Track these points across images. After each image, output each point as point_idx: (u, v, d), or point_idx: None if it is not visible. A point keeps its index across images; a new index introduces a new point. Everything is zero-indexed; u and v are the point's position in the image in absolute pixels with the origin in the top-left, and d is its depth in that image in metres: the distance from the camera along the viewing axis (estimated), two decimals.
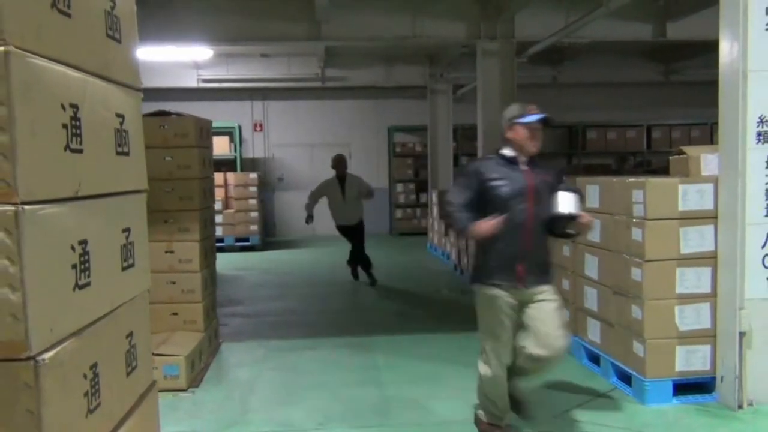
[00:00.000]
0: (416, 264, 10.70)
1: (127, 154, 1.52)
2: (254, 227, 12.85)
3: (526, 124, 3.60)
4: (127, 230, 1.51)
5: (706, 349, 4.27)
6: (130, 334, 1.52)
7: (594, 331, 4.98)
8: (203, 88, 13.15)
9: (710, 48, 11.38)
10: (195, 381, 4.87)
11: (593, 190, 4.96)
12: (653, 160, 13.27)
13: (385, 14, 9.07)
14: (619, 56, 12.90)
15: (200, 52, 10.99)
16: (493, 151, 3.82)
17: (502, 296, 3.56)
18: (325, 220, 14.64)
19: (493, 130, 9.39)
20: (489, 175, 3.59)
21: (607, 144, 14.15)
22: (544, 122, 3.64)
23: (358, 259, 8.95)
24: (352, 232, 8.84)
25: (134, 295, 1.56)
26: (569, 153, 14.54)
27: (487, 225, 3.43)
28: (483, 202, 3.57)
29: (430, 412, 4.31)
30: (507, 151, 3.68)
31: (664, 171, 7.51)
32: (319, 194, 8.91)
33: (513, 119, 3.64)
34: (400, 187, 14.87)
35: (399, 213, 14.85)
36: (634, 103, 14.32)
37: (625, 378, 4.54)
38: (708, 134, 13.44)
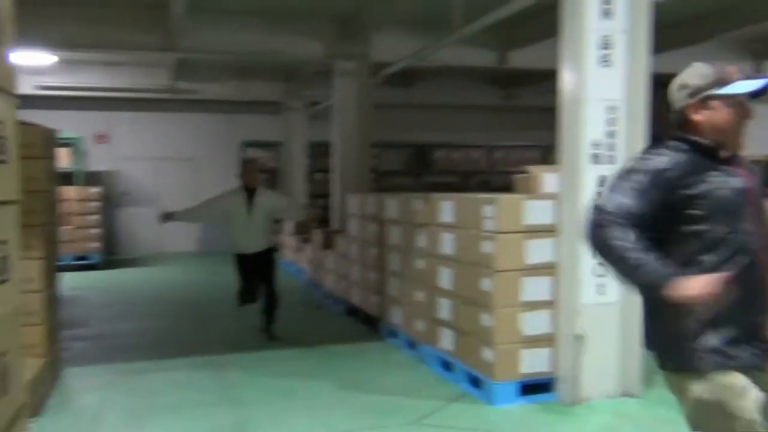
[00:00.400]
0: None
1: (4, 162, 1.44)
2: (95, 244, 12.14)
3: (732, 99, 2.22)
4: (3, 243, 1.43)
5: (547, 352, 4.66)
6: (3, 353, 1.44)
7: (447, 340, 5.24)
8: (40, 96, 12.25)
9: (545, 76, 12.39)
10: (37, 409, 4.52)
11: (447, 206, 5.24)
12: (494, 179, 14.13)
13: (243, 29, 9.02)
14: (464, 80, 13.68)
15: (42, 57, 10.25)
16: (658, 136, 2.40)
17: (748, 383, 2.15)
18: (173, 236, 14.23)
19: (349, 148, 9.65)
20: (684, 178, 2.18)
21: (453, 163, 14.88)
22: (761, 93, 2.22)
23: (267, 302, 6.74)
24: (258, 265, 6.63)
25: (7, 312, 1.47)
26: (417, 171, 15.11)
27: (709, 282, 2.02)
28: (670, 220, 2.21)
29: (290, 428, 4.31)
30: (702, 139, 2.24)
31: (505, 189, 8.08)
32: (211, 207, 6.77)
33: (704, 90, 2.23)
34: None
35: None
36: (477, 125, 15.20)
37: (475, 382, 4.81)
38: (542, 155, 14.52)
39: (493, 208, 4.60)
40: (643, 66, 4.64)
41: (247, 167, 6.76)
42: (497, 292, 4.56)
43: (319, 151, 13.96)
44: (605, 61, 4.53)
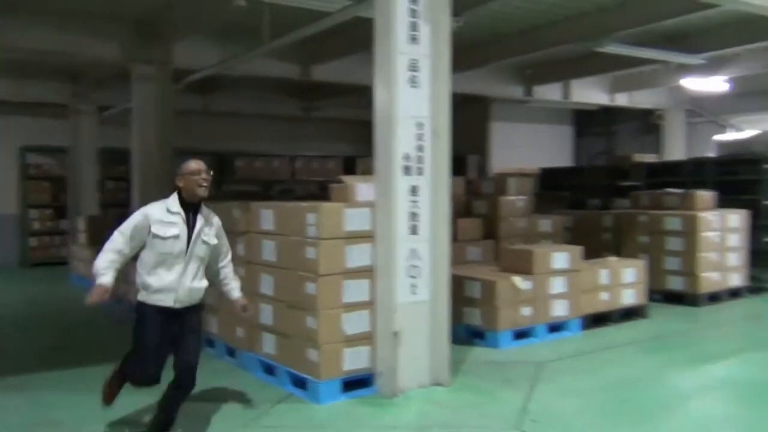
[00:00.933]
0: (61, 296, 9.90)
1: None
2: None
3: None
4: None
5: (367, 349, 5.00)
6: None
7: (269, 345, 5.38)
8: None
9: (344, 90, 12.93)
10: None
11: (267, 214, 5.40)
12: (297, 188, 14.42)
13: (28, 24, 8.40)
14: (266, 90, 13.82)
15: None
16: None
17: None
18: None
19: (150, 156, 9.33)
20: None
21: (254, 172, 14.90)
22: None
23: (178, 382, 4.05)
24: (181, 326, 4.09)
25: None
26: (219, 180, 14.91)
27: None
28: None
29: None
30: None
31: (310, 197, 8.39)
32: (134, 239, 4.03)
33: None
34: (34, 213, 13.51)
35: (34, 241, 13.46)
36: (278, 135, 15.41)
37: (300, 383, 5.02)
38: (341, 165, 15.10)
39: (315, 216, 4.85)
40: (446, 87, 5.19)
41: (194, 170, 4.07)
42: (321, 295, 4.81)
43: (112, 158, 13.29)
44: (414, 83, 5.00)
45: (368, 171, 5.42)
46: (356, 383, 4.96)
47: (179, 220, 4.04)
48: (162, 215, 4.04)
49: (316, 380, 4.82)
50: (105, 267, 3.93)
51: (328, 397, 4.81)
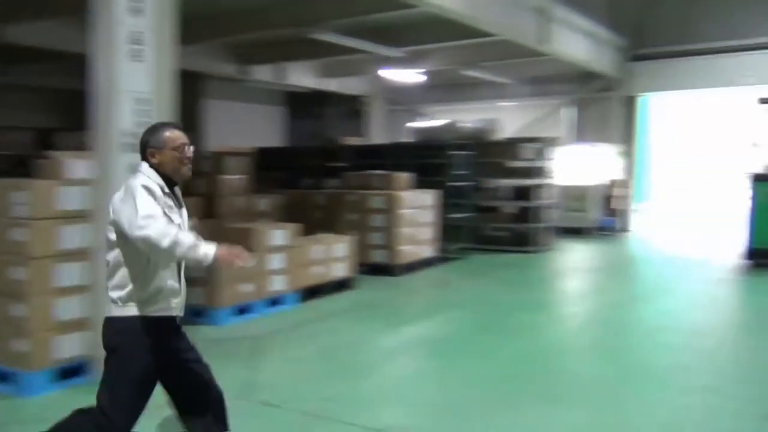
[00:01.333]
0: None
1: None
2: None
3: None
4: None
5: (84, 335, 4.74)
6: None
7: None
8: None
9: (40, 55, 11.68)
10: None
11: None
12: None
13: None
14: None
15: None
16: None
17: None
18: None
19: None
20: None
21: None
22: None
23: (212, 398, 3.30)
24: (178, 342, 3.18)
25: None
26: None
27: None
28: None
29: None
30: None
31: (4, 174, 7.53)
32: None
33: None
34: None
35: None
36: None
37: (3, 377, 4.57)
38: (37, 138, 13.62)
39: (25, 194, 4.45)
40: (169, 62, 5.09)
41: (178, 144, 3.06)
42: (31, 280, 4.44)
43: None
44: (136, 56, 4.82)
45: (80, 146, 5.09)
46: (70, 372, 4.69)
47: (174, 206, 3.02)
48: (163, 197, 2.94)
49: (24, 372, 4.46)
50: (191, 235, 2.84)
51: (38, 388, 4.48)
